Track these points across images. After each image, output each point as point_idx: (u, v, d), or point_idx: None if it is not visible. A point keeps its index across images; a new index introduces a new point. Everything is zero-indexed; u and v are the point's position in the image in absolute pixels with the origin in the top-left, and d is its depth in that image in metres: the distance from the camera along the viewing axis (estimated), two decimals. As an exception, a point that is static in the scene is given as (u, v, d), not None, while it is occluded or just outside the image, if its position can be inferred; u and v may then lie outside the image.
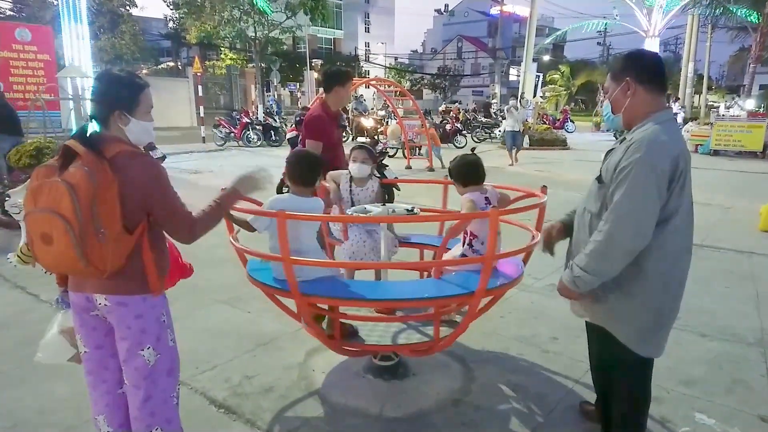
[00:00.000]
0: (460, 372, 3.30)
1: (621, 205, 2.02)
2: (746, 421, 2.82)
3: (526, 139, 14.62)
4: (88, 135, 1.89)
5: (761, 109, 19.59)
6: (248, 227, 2.61)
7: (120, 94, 1.95)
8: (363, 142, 3.74)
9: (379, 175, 3.57)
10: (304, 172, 2.79)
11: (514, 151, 13.86)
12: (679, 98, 24.34)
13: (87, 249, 1.76)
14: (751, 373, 3.32)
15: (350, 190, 3.54)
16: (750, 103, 19.54)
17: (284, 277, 2.48)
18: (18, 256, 2.80)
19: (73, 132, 2.01)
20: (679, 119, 18.87)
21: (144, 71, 34.91)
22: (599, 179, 2.22)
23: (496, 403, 2.97)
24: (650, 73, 2.15)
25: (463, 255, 2.93)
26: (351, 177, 3.55)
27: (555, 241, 2.56)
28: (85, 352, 2.09)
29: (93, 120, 1.97)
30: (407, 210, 3.15)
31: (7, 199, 2.62)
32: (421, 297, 2.69)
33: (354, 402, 2.95)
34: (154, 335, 2.02)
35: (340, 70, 3.99)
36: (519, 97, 16.09)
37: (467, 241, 2.92)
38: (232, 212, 2.50)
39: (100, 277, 1.87)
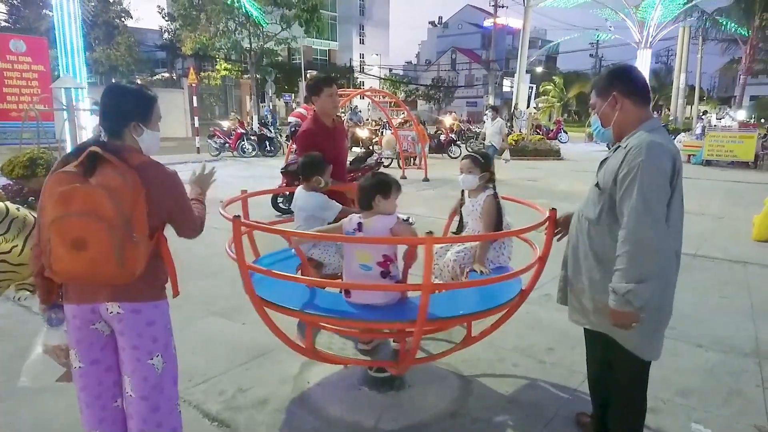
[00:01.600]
0: (457, 384, 3.28)
1: (637, 209, 2.02)
2: (742, 431, 2.81)
3: (505, 153, 13.65)
4: (114, 146, 1.94)
5: (752, 120, 19.78)
6: None
7: (137, 107, 2.03)
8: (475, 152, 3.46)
9: (494, 187, 3.21)
10: (301, 170, 3.37)
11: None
12: (707, 111, 24.18)
13: (125, 251, 1.82)
14: (747, 383, 3.32)
15: (462, 203, 3.38)
16: (741, 114, 19.72)
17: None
18: (24, 288, 2.76)
19: (86, 141, 2.04)
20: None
21: (138, 82, 34.94)
22: (597, 185, 2.26)
23: (493, 415, 2.95)
24: (635, 86, 2.23)
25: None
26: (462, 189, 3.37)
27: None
28: (79, 367, 2.06)
29: (105, 131, 2.02)
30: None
31: None
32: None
33: (349, 415, 2.92)
34: (162, 343, 2.05)
35: (319, 77, 3.93)
36: (512, 108, 15.98)
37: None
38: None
39: (128, 280, 1.90)
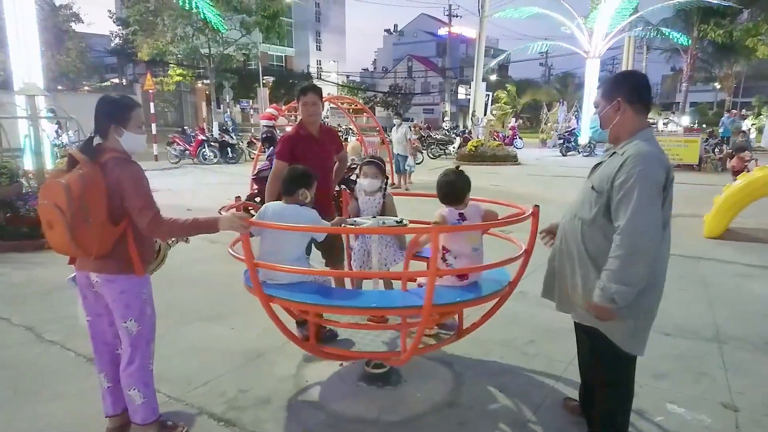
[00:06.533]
0: (450, 377, 3.45)
1: (636, 215, 2.12)
2: (711, 408, 3.10)
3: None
4: (90, 146, 2.40)
5: (695, 125, 20.95)
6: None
7: (113, 112, 2.43)
8: (373, 157, 3.94)
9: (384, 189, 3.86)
10: (283, 184, 3.18)
11: (405, 175, 12.72)
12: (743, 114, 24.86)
13: (76, 234, 2.25)
14: (711, 365, 3.63)
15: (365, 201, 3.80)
16: (685, 120, 20.87)
17: (265, 278, 2.88)
18: None
19: (83, 142, 2.50)
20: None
21: (86, 88, 33.80)
22: (593, 188, 2.36)
23: (487, 403, 3.13)
24: (640, 94, 2.34)
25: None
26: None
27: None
28: (88, 320, 2.60)
29: (95, 133, 2.45)
30: (396, 222, 3.31)
31: None
32: (377, 305, 2.91)
33: (352, 409, 3.05)
34: (136, 309, 2.50)
35: (300, 86, 4.18)
36: (471, 115, 16.36)
37: (441, 255, 3.00)
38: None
39: (87, 257, 2.36)
